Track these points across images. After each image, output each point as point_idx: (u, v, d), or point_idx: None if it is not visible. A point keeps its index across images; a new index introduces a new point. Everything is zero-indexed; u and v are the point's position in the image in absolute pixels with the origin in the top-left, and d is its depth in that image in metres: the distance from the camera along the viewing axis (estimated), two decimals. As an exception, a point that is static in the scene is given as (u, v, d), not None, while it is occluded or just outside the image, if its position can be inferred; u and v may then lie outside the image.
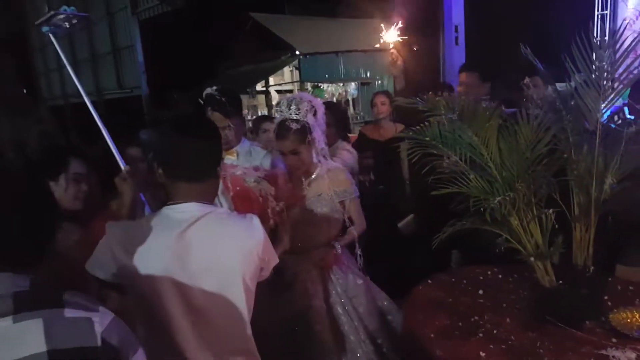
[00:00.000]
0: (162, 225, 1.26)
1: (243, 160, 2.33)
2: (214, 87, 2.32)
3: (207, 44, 12.29)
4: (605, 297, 2.00)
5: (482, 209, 1.67)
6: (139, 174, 2.09)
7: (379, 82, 13.27)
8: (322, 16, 13.14)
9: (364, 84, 13.51)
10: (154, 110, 10.49)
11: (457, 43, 4.07)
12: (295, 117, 2.09)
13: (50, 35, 1.98)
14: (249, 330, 1.35)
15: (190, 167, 1.32)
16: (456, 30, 4.04)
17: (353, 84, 13.36)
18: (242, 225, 1.33)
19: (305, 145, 2.12)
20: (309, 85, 12.60)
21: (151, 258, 1.23)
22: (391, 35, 3.53)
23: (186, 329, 1.24)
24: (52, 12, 2.01)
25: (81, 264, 1.37)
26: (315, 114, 2.16)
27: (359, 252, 2.34)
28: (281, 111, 2.14)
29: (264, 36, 12.36)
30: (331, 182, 2.21)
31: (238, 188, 1.99)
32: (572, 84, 1.73)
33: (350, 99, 13.36)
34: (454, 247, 2.94)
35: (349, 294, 2.22)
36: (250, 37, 12.85)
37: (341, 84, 13.21)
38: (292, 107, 2.09)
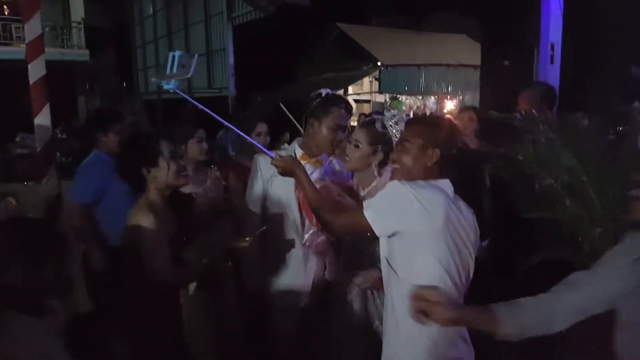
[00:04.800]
0: (437, 190, 1.51)
1: (324, 171, 2.23)
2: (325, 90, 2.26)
3: (293, 50, 12.67)
4: None
5: (578, 239, 1.56)
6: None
7: (460, 97, 12.93)
8: (407, 29, 13.06)
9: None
10: (239, 110, 11.00)
11: (552, 61, 3.86)
12: (388, 125, 2.01)
13: (178, 91, 1.93)
14: None
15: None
16: (552, 48, 3.83)
17: (432, 97, 13.13)
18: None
19: (369, 147, 2.01)
20: (387, 96, 12.57)
21: (437, 213, 1.47)
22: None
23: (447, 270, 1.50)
24: (174, 74, 1.90)
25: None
26: None
27: None
28: (384, 115, 2.09)
29: (348, 46, 12.53)
30: None
31: None
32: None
33: (428, 112, 13.14)
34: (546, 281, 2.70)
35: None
36: (334, 46, 13.07)
37: (420, 97, 13.02)
38: (393, 119, 2.02)
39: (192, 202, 2.32)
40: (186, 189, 2.42)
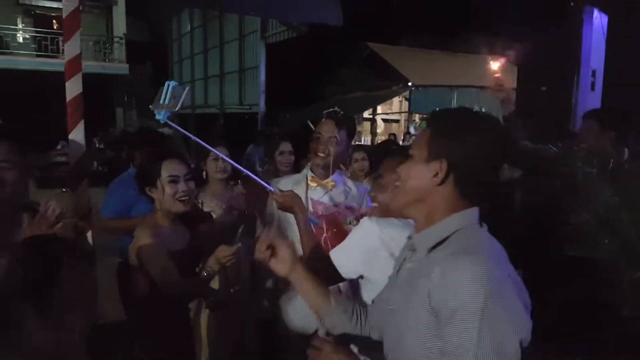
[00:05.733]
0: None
1: (337, 195, 2.12)
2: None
3: (323, 69, 12.78)
4: None
5: (616, 280, 1.45)
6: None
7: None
8: (440, 49, 13.00)
9: (476, 121, 12.99)
10: (267, 127, 11.13)
11: (593, 89, 3.71)
12: None
13: (168, 121, 1.83)
14: None
15: None
16: (593, 75, 3.68)
17: (464, 119, 12.92)
18: None
19: None
20: (417, 117, 12.47)
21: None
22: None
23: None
24: (166, 104, 1.80)
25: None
26: None
27: None
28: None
29: (378, 65, 12.55)
30: None
31: (335, 230, 1.81)
32: None
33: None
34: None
35: None
36: (364, 65, 13.12)
37: (451, 119, 12.84)
38: None
39: (207, 219, 2.29)
40: (208, 206, 2.49)
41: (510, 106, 2.69)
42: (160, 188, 1.85)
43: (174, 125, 1.94)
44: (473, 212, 1.04)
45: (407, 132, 11.91)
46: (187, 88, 1.87)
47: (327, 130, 2.09)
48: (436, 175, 1.02)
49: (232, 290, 2.34)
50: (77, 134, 2.56)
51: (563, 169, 1.71)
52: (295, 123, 10.20)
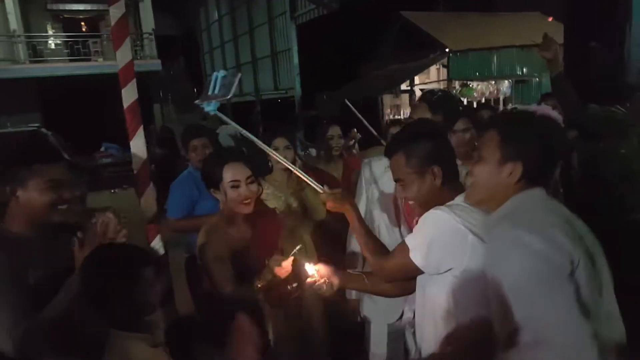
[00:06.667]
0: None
1: None
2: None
3: (358, 45, 12.51)
4: None
5: None
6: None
7: (537, 79, 12.13)
8: (478, 11, 12.41)
9: (518, 82, 12.45)
10: (305, 110, 11.04)
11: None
12: None
13: (218, 112, 1.81)
14: None
15: None
16: (647, 25, 3.39)
17: (506, 81, 12.40)
18: None
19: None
20: (456, 84, 12.07)
21: None
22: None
23: None
24: (215, 95, 1.78)
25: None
26: None
27: None
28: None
29: (413, 34, 12.17)
30: None
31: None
32: None
33: (501, 97, 12.45)
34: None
35: None
36: (398, 36, 12.74)
37: (493, 82, 12.36)
38: None
39: (273, 216, 2.25)
40: (266, 194, 2.47)
41: (558, 66, 2.52)
42: (223, 191, 1.86)
43: (223, 117, 1.93)
44: (533, 192, 1.23)
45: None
46: (239, 74, 1.86)
47: (420, 114, 1.95)
48: (510, 174, 1.21)
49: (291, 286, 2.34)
50: (138, 140, 2.47)
51: (633, 129, 1.61)
52: (333, 104, 10.09)
